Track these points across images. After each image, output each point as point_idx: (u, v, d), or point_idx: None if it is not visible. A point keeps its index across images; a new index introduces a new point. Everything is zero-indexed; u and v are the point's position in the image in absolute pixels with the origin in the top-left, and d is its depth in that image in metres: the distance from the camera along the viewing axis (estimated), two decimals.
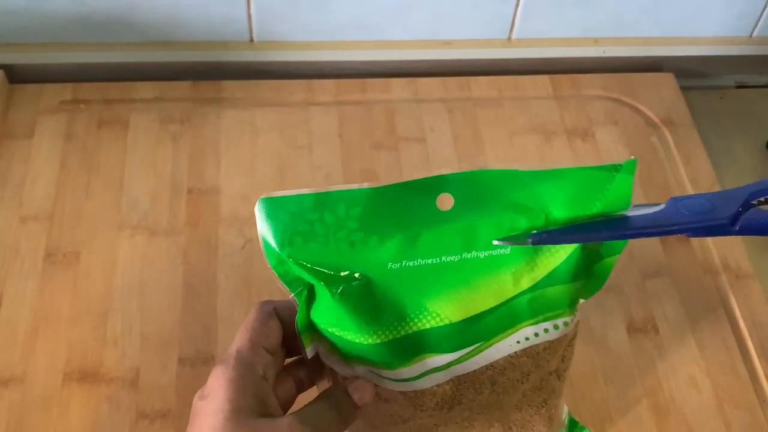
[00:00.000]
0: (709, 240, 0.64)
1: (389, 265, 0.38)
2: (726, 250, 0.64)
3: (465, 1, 0.72)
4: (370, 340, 0.39)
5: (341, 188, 0.37)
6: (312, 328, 0.40)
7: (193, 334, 0.56)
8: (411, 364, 0.40)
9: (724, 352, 0.58)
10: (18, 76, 0.70)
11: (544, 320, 0.41)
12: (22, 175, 0.64)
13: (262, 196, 0.37)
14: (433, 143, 0.69)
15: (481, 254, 0.39)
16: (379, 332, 0.39)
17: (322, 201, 0.37)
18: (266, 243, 0.37)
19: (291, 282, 0.39)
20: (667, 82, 0.76)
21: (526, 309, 0.40)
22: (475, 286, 0.39)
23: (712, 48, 0.78)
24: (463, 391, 0.42)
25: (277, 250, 0.37)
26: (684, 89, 0.76)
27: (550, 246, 0.39)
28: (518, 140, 0.70)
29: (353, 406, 0.41)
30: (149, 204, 0.63)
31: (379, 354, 0.40)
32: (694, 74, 0.79)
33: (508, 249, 0.39)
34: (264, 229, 0.37)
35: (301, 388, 0.43)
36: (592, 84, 0.75)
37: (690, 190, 0.67)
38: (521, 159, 0.68)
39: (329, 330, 0.40)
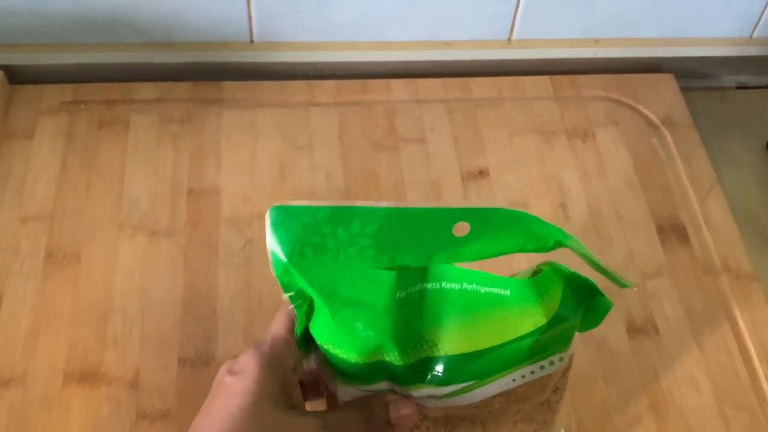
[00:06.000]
0: (709, 240, 0.64)
1: (397, 294, 0.38)
2: (726, 251, 0.64)
3: (465, 2, 0.72)
4: (363, 361, 0.39)
5: (358, 204, 0.36)
6: (311, 339, 0.40)
7: (193, 335, 0.56)
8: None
9: (724, 353, 0.58)
10: (19, 76, 0.70)
11: (541, 359, 0.41)
12: (22, 176, 0.64)
13: (275, 204, 0.36)
14: (434, 144, 0.69)
15: (482, 289, 0.39)
16: (373, 356, 0.39)
17: (338, 215, 0.36)
18: (274, 252, 0.37)
19: (293, 293, 0.39)
20: (667, 82, 0.76)
21: (527, 352, 0.40)
22: (474, 321, 0.39)
23: (712, 49, 0.78)
24: (453, 422, 0.41)
25: (285, 260, 0.37)
26: (684, 90, 0.76)
27: (550, 290, 0.39)
28: (518, 141, 0.70)
29: (387, 424, 0.39)
30: (150, 204, 0.63)
31: (372, 375, 0.40)
32: (694, 75, 0.79)
33: (507, 290, 0.39)
34: (273, 237, 0.36)
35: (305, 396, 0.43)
36: (593, 85, 0.75)
37: (690, 191, 0.67)
38: (522, 159, 0.68)
39: (324, 346, 0.39)
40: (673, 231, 0.65)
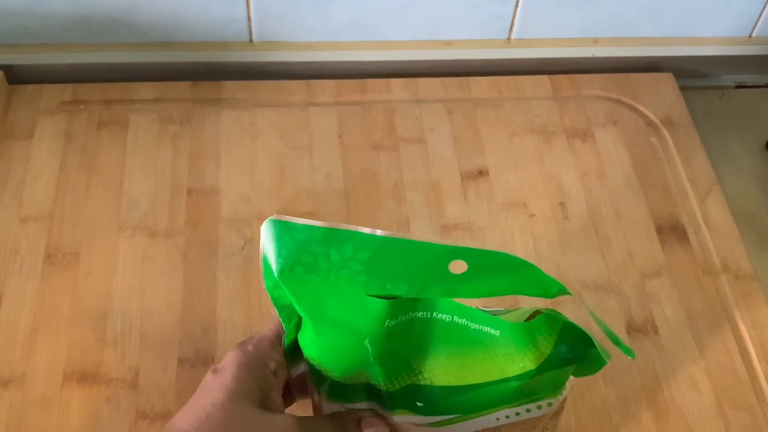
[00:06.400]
0: (709, 240, 0.64)
1: (386, 323, 0.38)
2: (726, 251, 0.64)
3: (465, 2, 0.72)
4: (346, 381, 0.39)
5: (353, 229, 0.36)
6: (299, 350, 0.40)
7: (192, 335, 0.56)
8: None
9: (724, 353, 0.58)
10: (18, 76, 0.70)
11: (529, 402, 0.40)
12: (21, 176, 0.64)
13: (272, 216, 0.36)
14: (433, 144, 0.69)
15: (472, 325, 0.38)
16: (357, 378, 0.39)
17: (331, 237, 0.36)
18: (266, 264, 0.37)
19: (283, 307, 0.39)
20: (666, 82, 0.76)
21: (513, 394, 0.40)
22: (461, 356, 0.39)
23: (712, 48, 0.78)
24: None
25: (276, 275, 0.37)
26: (683, 89, 0.76)
27: (543, 337, 0.39)
28: (518, 141, 0.70)
29: None
30: (149, 205, 0.63)
31: (355, 395, 0.40)
32: (693, 74, 0.79)
33: (497, 331, 0.39)
34: (267, 249, 0.36)
35: (292, 401, 0.44)
36: (592, 84, 0.75)
37: (690, 191, 0.67)
38: (521, 159, 0.68)
39: (310, 362, 0.40)
40: (672, 231, 0.65)
